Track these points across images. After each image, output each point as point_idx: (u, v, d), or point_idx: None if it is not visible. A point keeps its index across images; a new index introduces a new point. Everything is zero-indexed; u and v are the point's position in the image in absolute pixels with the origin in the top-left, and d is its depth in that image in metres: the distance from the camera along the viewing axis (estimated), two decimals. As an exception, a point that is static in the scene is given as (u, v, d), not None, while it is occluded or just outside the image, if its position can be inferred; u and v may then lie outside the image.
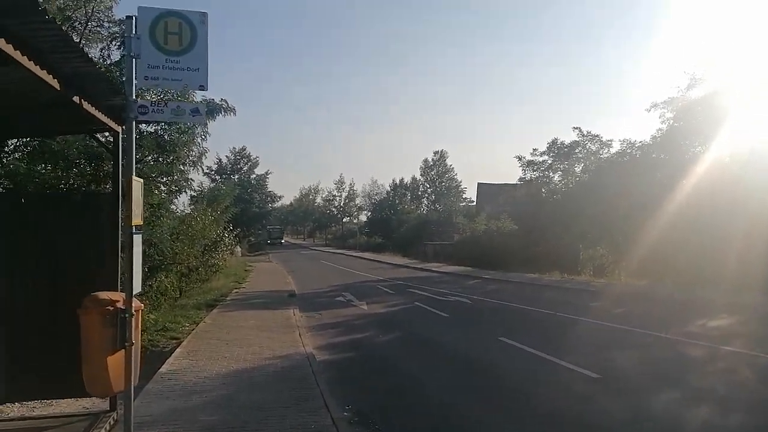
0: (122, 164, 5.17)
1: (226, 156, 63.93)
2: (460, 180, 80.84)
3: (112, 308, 4.64)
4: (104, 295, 4.75)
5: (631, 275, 23.52)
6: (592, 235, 25.96)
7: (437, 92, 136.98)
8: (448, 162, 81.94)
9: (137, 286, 4.76)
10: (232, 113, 18.85)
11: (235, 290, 20.95)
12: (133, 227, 4.56)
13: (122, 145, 5.09)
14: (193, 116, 4.83)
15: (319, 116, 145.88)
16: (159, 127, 17.88)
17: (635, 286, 20.19)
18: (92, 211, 5.55)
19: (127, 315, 4.61)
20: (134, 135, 4.59)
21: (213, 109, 18.66)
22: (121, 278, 5.36)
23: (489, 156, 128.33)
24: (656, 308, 14.71)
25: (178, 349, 9.50)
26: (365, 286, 23.02)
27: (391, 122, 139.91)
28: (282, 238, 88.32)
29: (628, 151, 25.74)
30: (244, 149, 65.06)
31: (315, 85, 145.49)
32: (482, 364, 8.86)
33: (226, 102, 18.57)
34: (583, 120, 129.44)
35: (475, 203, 66.34)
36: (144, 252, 11.45)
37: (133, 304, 4.70)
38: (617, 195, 24.08)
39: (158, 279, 10.99)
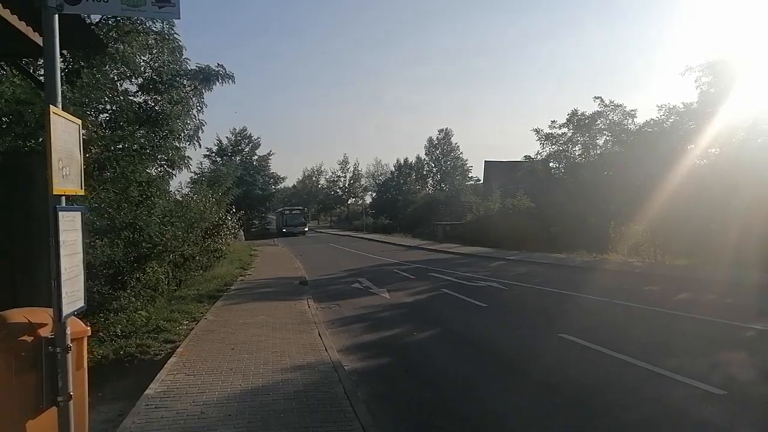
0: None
1: (227, 137, 61.75)
2: (465, 159, 78.93)
3: (31, 338, 2.73)
4: (18, 315, 2.83)
5: (669, 255, 21.64)
6: (625, 211, 23.85)
7: (440, 70, 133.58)
8: (453, 140, 79.92)
9: (78, 299, 2.84)
10: (230, 81, 16.90)
11: (241, 278, 19.10)
12: (62, 198, 2.63)
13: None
14: (161, 7, 2.84)
15: (321, 96, 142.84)
16: (148, 97, 15.97)
17: (680, 267, 18.24)
18: (13, 179, 3.58)
19: (58, 349, 2.70)
20: (57, 37, 2.63)
21: (209, 76, 16.68)
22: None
23: (494, 134, 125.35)
24: (724, 293, 12.79)
25: (172, 358, 7.64)
26: (381, 270, 21.16)
27: (394, 101, 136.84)
28: (305, 226, 60.99)
29: (666, 118, 23.50)
30: (245, 130, 62.84)
31: (316, 63, 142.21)
32: (556, 373, 6.95)
33: (224, 68, 16.59)
34: (593, 93, 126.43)
35: (482, 182, 64.45)
36: (128, 238, 9.67)
37: (73, 329, 2.80)
38: (656, 167, 22.07)
39: (148, 270, 9.14)
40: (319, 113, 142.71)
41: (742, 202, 18.62)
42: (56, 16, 2.65)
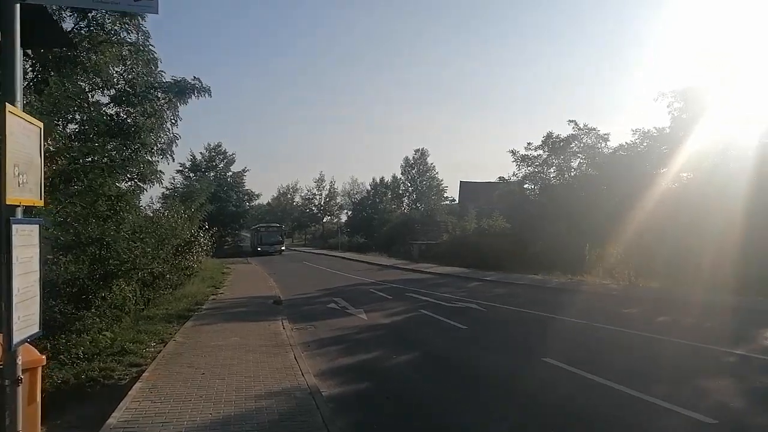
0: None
1: (201, 153, 60.79)
2: (441, 179, 79.38)
3: (-27, 370, 2.38)
4: (-41, 343, 2.47)
5: (642, 277, 21.84)
6: (600, 233, 24.05)
7: (418, 91, 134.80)
8: (429, 160, 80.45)
9: (32, 324, 2.51)
10: (206, 94, 16.58)
11: (213, 296, 18.53)
12: (17, 209, 2.32)
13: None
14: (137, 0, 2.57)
15: (298, 114, 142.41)
16: (120, 109, 15.56)
17: (655, 289, 18.35)
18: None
19: (6, 381, 2.37)
20: (17, 28, 2.34)
21: (184, 89, 16.32)
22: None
23: (468, 155, 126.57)
24: (701, 316, 12.81)
25: (137, 384, 7.18)
26: (357, 290, 20.79)
27: (372, 120, 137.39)
28: (282, 244, 56.88)
29: (640, 142, 23.93)
30: (220, 145, 61.90)
31: (294, 82, 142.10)
32: (541, 400, 6.74)
33: (200, 81, 16.27)
34: (569, 117, 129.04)
35: (457, 202, 64.88)
36: (95, 254, 9.19)
37: (25, 358, 2.46)
38: (630, 189, 22.40)
39: (115, 289, 8.66)
40: (296, 131, 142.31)
41: (715, 225, 18.96)
42: (18, 5, 2.37)
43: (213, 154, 61.47)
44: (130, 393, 6.71)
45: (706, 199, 20.07)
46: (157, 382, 7.27)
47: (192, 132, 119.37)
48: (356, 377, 8.10)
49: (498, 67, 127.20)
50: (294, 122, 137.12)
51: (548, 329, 11.67)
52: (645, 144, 24.08)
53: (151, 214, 19.07)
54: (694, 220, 19.95)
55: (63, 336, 7.73)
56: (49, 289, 7.62)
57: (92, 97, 14.74)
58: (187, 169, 57.81)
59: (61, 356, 7.98)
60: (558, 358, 8.51)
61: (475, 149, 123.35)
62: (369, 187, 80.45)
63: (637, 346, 9.75)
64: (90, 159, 9.10)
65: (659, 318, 12.80)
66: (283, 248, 55.77)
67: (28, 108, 8.35)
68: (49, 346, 7.74)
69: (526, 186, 34.17)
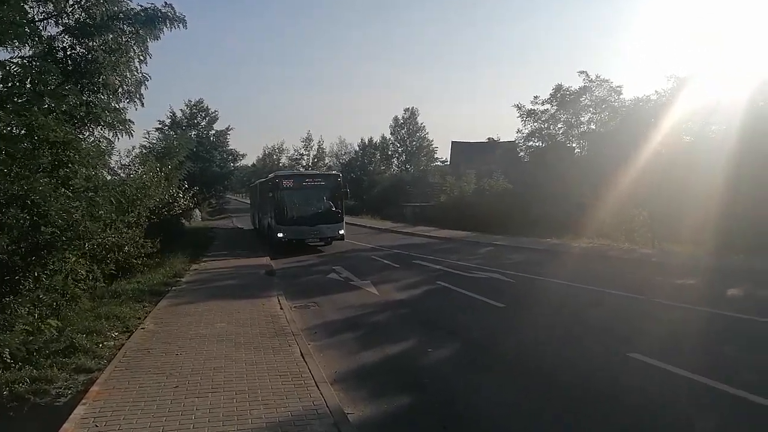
0: None
1: (181, 110, 57.05)
2: (431, 139, 76.78)
3: None
4: None
5: (665, 240, 19.92)
6: (619, 193, 21.88)
7: (406, 49, 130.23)
8: (419, 120, 77.59)
9: None
10: (181, 25, 13.89)
11: (194, 266, 16.25)
12: None
13: None
14: None
15: (284, 73, 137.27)
16: (77, 42, 12.95)
17: (691, 255, 16.29)
18: None
19: None
20: None
21: (154, 18, 13.62)
22: None
23: (457, 115, 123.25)
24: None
25: (79, 408, 4.94)
26: (357, 256, 18.61)
27: (358, 79, 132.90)
28: (341, 223, 20.81)
29: (675, 88, 21.55)
30: (201, 102, 58.04)
31: (279, 40, 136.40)
32: (665, 419, 4.66)
33: (173, 8, 13.56)
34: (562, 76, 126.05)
35: (449, 163, 62.49)
36: (15, 216, 6.65)
37: None
38: (655, 144, 20.20)
39: (52, 266, 6.34)
40: (281, 90, 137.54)
41: (751, 183, 17.04)
42: None
43: (194, 111, 57.76)
44: (66, 425, 4.48)
45: (740, 153, 17.95)
46: (109, 403, 5.04)
47: (169, 86, 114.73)
48: (389, 385, 5.92)
49: (488, 23, 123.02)
50: (278, 81, 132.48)
51: (602, 308, 9.54)
52: (669, 94, 21.71)
53: (120, 172, 16.59)
54: (726, 176, 17.85)
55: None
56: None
57: (44, 28, 12.14)
58: (167, 127, 54.30)
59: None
60: (647, 353, 6.47)
61: (468, 110, 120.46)
62: (357, 148, 77.54)
63: (738, 333, 7.67)
64: (13, 86, 6.61)
65: (730, 291, 10.76)
66: (342, 231, 21.48)
67: None
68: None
69: (530, 144, 31.93)
